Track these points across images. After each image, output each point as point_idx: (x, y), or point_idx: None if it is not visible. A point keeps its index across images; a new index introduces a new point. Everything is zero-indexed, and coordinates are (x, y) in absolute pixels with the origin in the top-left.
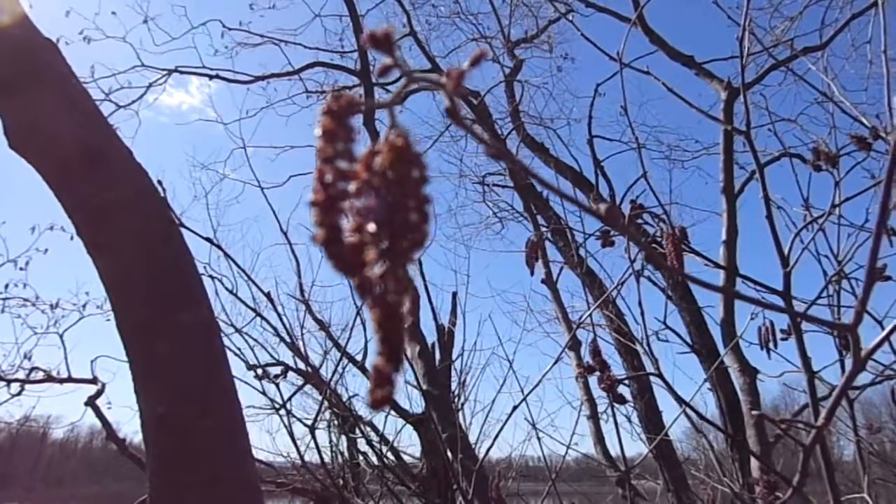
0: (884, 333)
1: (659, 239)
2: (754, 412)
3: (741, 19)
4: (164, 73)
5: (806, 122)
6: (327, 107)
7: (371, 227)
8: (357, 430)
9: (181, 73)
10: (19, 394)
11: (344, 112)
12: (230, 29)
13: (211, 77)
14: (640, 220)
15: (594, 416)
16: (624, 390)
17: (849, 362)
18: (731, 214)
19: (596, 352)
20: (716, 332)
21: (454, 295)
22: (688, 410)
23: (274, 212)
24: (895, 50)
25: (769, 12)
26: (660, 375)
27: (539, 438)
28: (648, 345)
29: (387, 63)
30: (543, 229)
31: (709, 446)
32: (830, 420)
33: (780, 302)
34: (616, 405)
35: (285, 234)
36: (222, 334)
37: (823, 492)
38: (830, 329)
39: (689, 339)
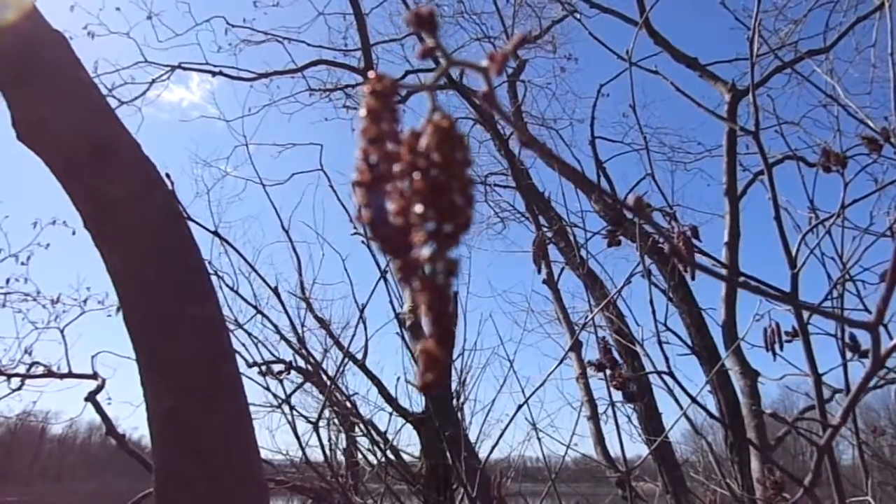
0: None
1: (671, 236)
2: (766, 411)
3: (748, 21)
4: (168, 69)
5: (809, 126)
6: (372, 87)
7: (418, 208)
8: (357, 429)
9: (184, 69)
10: (19, 389)
11: (388, 92)
12: (234, 26)
13: (214, 74)
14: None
15: (594, 417)
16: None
17: (851, 365)
18: (733, 216)
19: (606, 349)
20: (716, 335)
21: (455, 294)
22: (689, 412)
23: (276, 209)
24: None
25: (773, 15)
26: (670, 374)
27: (539, 439)
28: (659, 343)
29: (429, 45)
30: (545, 229)
31: (708, 448)
32: (847, 419)
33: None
34: (617, 405)
35: (287, 231)
36: (228, 330)
37: (825, 496)
38: (850, 326)
39: (689, 342)
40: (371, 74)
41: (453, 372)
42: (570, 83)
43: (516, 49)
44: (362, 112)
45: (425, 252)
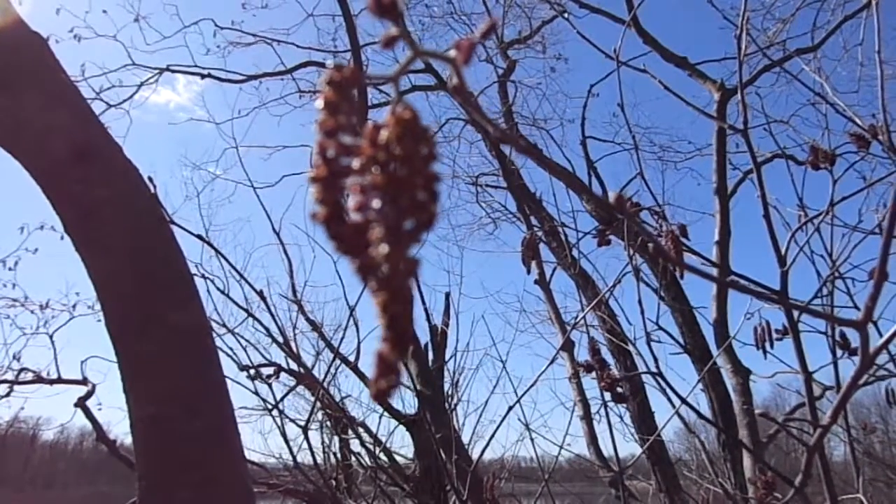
0: (893, 329)
1: (659, 236)
2: (757, 411)
3: (737, 19)
4: (156, 72)
5: (798, 124)
6: (330, 77)
7: (376, 204)
8: (350, 431)
9: (173, 72)
10: (8, 395)
11: (347, 83)
12: (222, 28)
13: (203, 76)
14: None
15: (587, 417)
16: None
17: (842, 363)
18: (723, 215)
19: (595, 350)
20: (708, 334)
21: (447, 295)
22: (681, 410)
23: (266, 212)
24: (887, 52)
25: (761, 14)
26: (659, 374)
27: (532, 439)
28: (648, 343)
29: (391, 33)
30: (537, 229)
31: (701, 446)
32: (837, 419)
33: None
34: (610, 405)
35: (277, 234)
36: (214, 334)
37: (815, 493)
38: (839, 324)
39: (681, 340)
40: (329, 64)
41: (446, 373)
42: (561, 83)
43: (484, 38)
44: (319, 103)
45: (382, 250)
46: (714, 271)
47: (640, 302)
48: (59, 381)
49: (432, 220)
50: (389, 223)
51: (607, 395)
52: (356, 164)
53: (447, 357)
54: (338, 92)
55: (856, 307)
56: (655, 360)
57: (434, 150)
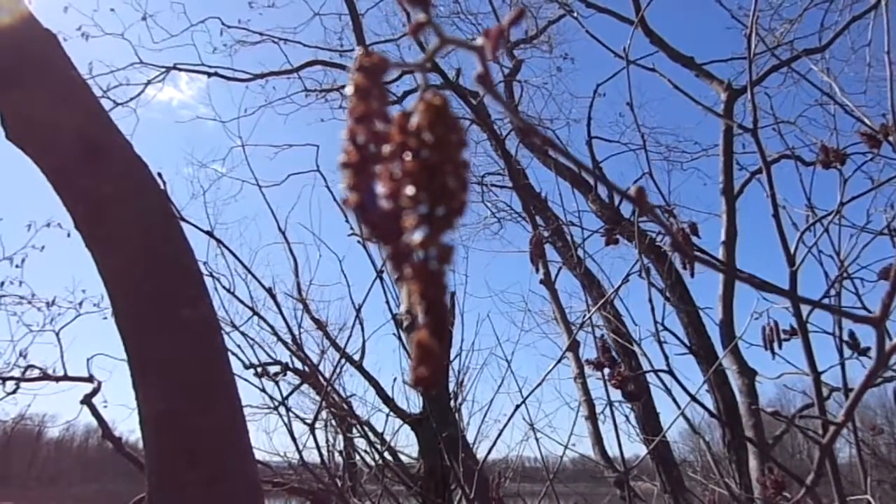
0: None
1: (671, 231)
2: (767, 410)
3: (744, 19)
4: (163, 70)
5: (805, 124)
6: (360, 63)
7: (409, 191)
8: (355, 430)
9: (180, 70)
10: (15, 392)
11: (378, 69)
12: (229, 27)
13: (209, 75)
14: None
15: (592, 417)
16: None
17: (850, 363)
18: (730, 215)
19: (605, 348)
20: (713, 334)
21: (452, 295)
22: (686, 411)
23: (272, 210)
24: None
25: (769, 14)
26: (669, 372)
27: (537, 439)
28: (658, 341)
29: (420, 20)
30: (542, 229)
31: (706, 447)
32: (850, 417)
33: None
34: (615, 405)
35: (283, 232)
36: (222, 332)
37: (823, 494)
38: (854, 321)
39: (687, 341)
40: (359, 50)
41: (451, 372)
42: (567, 83)
43: (512, 26)
44: (350, 89)
45: (417, 237)
46: (719, 276)
47: (650, 300)
48: (65, 378)
49: (463, 206)
50: (422, 210)
51: (614, 395)
52: (386, 150)
53: (452, 356)
54: (368, 77)
55: (864, 308)
56: (666, 357)
57: (463, 137)
